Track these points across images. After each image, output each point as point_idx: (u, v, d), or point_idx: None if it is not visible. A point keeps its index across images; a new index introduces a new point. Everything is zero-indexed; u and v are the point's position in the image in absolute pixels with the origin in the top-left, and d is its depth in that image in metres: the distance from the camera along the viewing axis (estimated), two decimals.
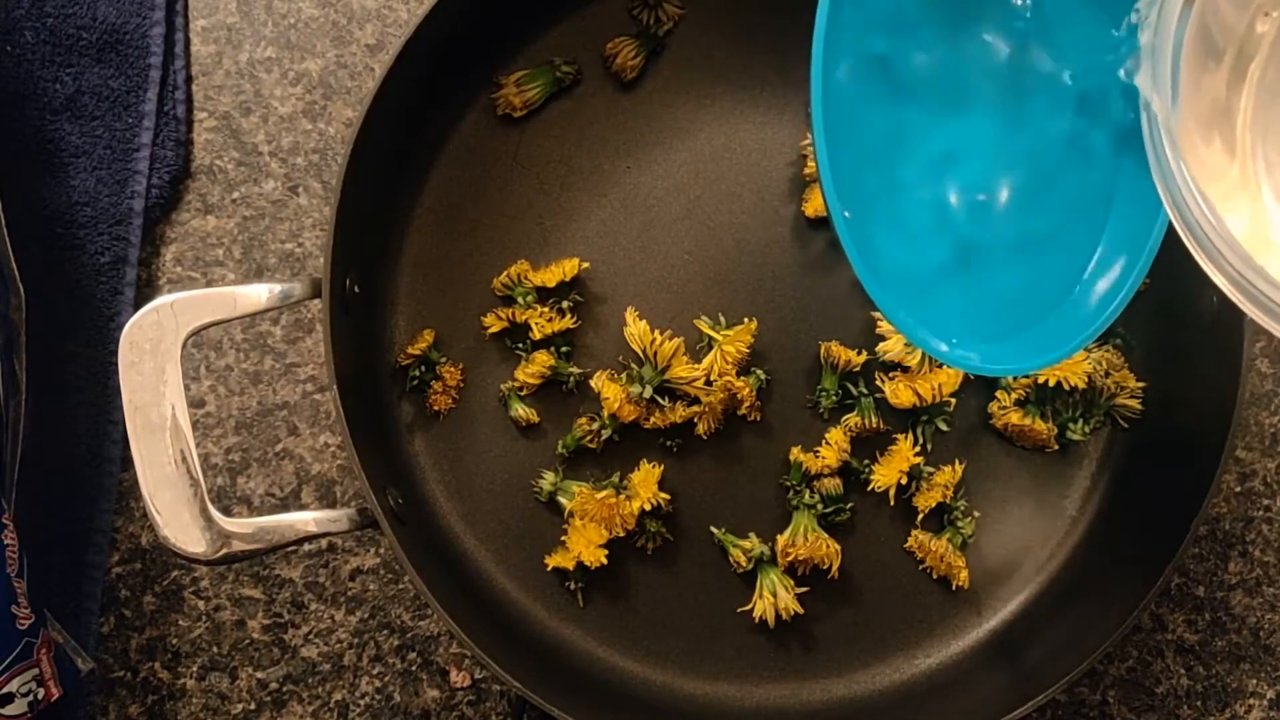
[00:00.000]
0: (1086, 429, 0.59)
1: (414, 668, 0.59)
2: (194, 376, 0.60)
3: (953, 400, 0.58)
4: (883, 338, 0.58)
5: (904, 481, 0.58)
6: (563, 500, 0.58)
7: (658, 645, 0.58)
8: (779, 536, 0.57)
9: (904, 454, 0.57)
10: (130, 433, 0.49)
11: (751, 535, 0.58)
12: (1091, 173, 0.47)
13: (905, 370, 0.58)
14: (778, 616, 0.57)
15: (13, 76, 0.59)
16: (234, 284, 0.59)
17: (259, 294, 0.51)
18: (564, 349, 0.59)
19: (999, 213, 0.48)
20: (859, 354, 0.58)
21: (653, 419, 0.58)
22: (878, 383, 0.58)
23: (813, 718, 0.57)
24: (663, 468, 0.58)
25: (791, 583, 0.57)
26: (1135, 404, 0.59)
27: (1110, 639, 0.51)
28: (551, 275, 0.58)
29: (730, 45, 0.61)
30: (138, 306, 0.52)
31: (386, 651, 0.59)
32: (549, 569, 0.57)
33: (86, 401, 0.59)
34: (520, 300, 0.59)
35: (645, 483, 0.57)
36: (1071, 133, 0.47)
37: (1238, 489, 0.62)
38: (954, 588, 0.58)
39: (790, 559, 0.57)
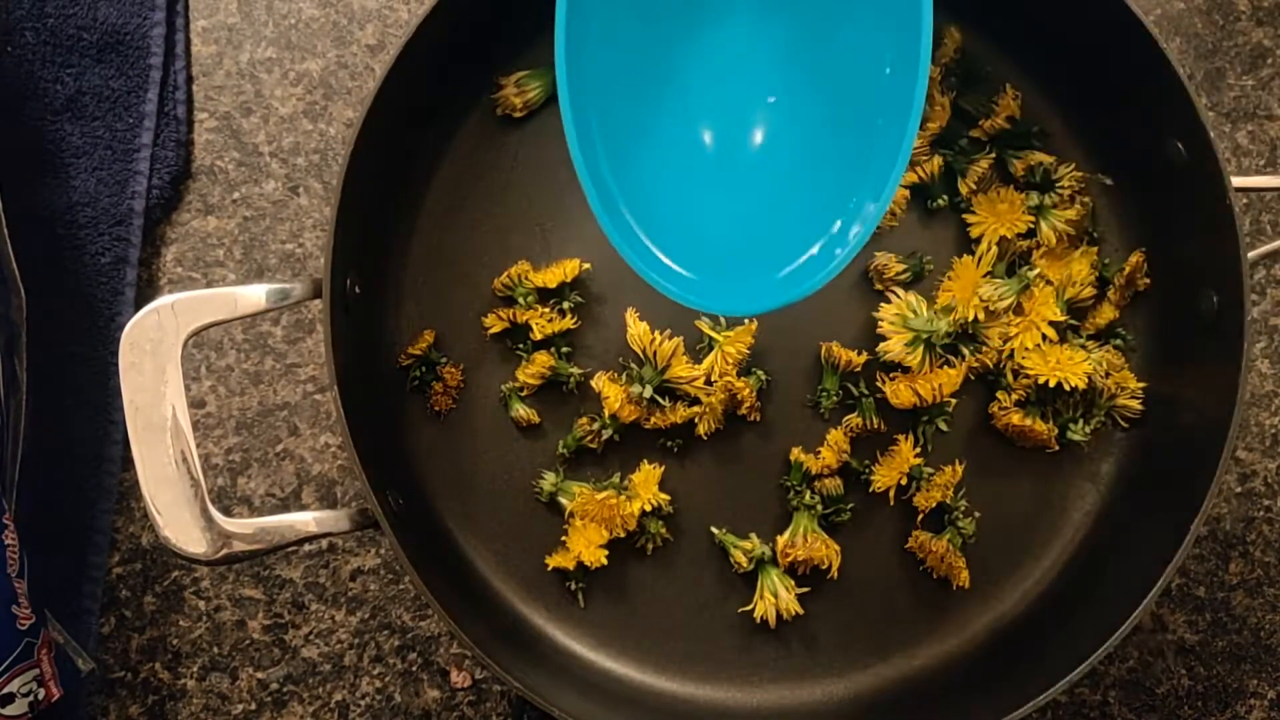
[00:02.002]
0: (1087, 429, 0.59)
1: (414, 668, 0.59)
2: (194, 377, 0.60)
3: (953, 400, 0.58)
4: (883, 338, 0.58)
5: (904, 483, 0.58)
6: (563, 500, 0.58)
7: (658, 645, 0.58)
8: (779, 537, 0.57)
9: (904, 455, 0.57)
10: (131, 433, 0.49)
11: (752, 536, 0.58)
12: (843, 109, 0.46)
13: (906, 370, 0.58)
14: (778, 616, 0.57)
15: (13, 77, 0.60)
16: (234, 284, 0.59)
17: (259, 294, 0.50)
18: (564, 349, 0.59)
19: (755, 148, 0.47)
20: (859, 354, 0.58)
21: (653, 419, 0.58)
22: (878, 383, 0.58)
23: (813, 718, 0.57)
24: (663, 468, 0.58)
25: (792, 583, 0.57)
26: (1135, 404, 0.58)
27: (1111, 639, 0.51)
28: (552, 276, 0.58)
29: None
30: (138, 307, 0.52)
31: (387, 652, 0.59)
32: (549, 569, 0.57)
33: (87, 401, 0.59)
34: (521, 301, 0.59)
35: (646, 483, 0.57)
36: (828, 67, 0.46)
37: (1238, 489, 0.62)
38: (954, 587, 0.58)
39: (790, 559, 0.57)
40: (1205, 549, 0.61)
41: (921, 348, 0.57)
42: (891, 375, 0.58)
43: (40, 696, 0.53)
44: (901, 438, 0.58)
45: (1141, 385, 0.59)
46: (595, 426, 0.58)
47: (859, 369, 0.58)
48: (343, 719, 0.59)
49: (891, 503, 0.58)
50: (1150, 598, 0.51)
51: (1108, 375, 0.58)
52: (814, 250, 0.45)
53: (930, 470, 0.58)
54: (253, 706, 0.59)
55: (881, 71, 0.44)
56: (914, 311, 0.57)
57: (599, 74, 0.43)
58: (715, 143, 0.48)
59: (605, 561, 0.56)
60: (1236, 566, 0.61)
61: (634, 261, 0.45)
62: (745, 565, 0.57)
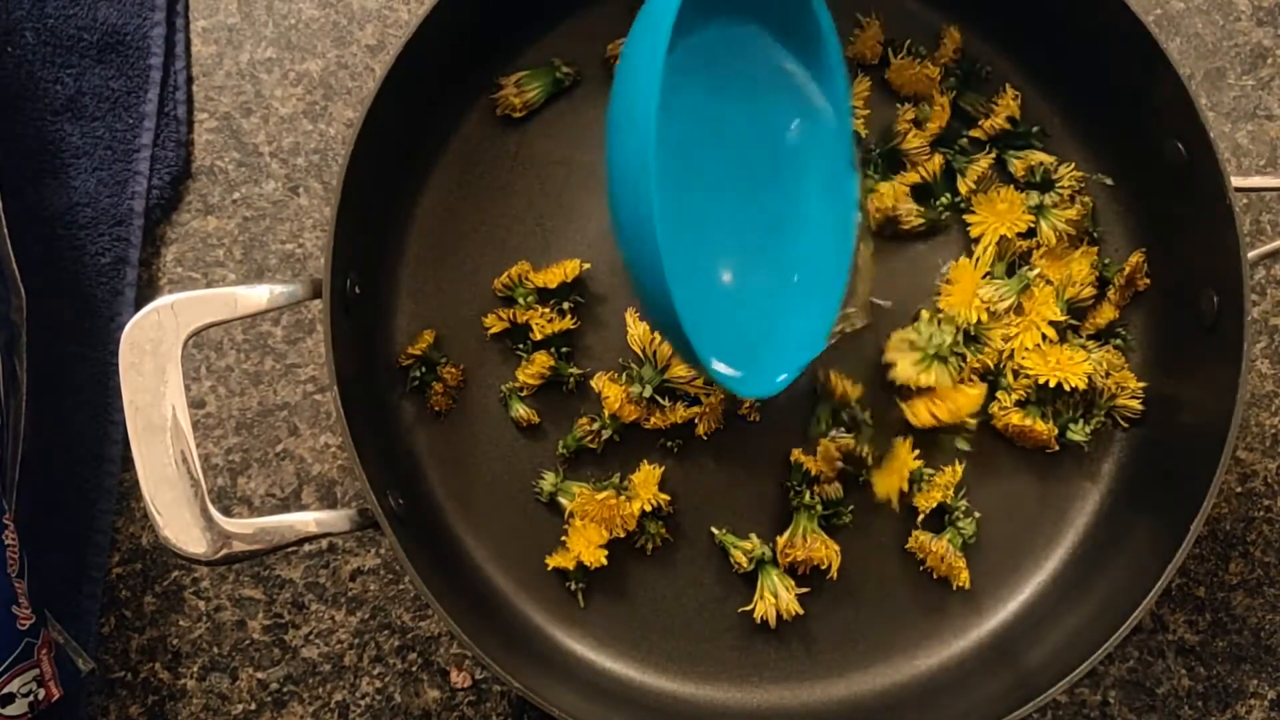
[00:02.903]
0: (1087, 430, 0.59)
1: (414, 668, 0.59)
2: (194, 377, 0.60)
3: (972, 420, 0.58)
4: (889, 364, 0.58)
5: (904, 488, 0.57)
6: (563, 501, 0.58)
7: (658, 645, 0.58)
8: (779, 537, 0.57)
9: (903, 460, 0.57)
10: (131, 433, 0.49)
11: (752, 536, 0.58)
12: (813, 229, 0.55)
13: (922, 392, 0.57)
14: (778, 617, 0.57)
15: (13, 77, 0.60)
16: (234, 284, 0.59)
17: (259, 294, 0.50)
18: (564, 350, 0.59)
19: (760, 266, 0.54)
20: (855, 385, 0.57)
21: (653, 419, 0.58)
22: (896, 398, 0.57)
23: (813, 718, 0.57)
24: (663, 468, 0.58)
25: (792, 583, 0.57)
26: (1135, 404, 0.58)
27: (1111, 639, 0.51)
28: (553, 276, 0.58)
29: None
30: (138, 307, 0.52)
31: (387, 652, 0.59)
32: (549, 569, 0.57)
33: (87, 402, 0.59)
34: (521, 301, 0.59)
35: (646, 483, 0.57)
36: (795, 191, 0.55)
37: (1238, 490, 0.62)
38: (954, 588, 0.58)
39: (790, 559, 0.57)
40: (1205, 549, 0.61)
41: (933, 364, 0.57)
42: (907, 397, 0.57)
43: (40, 696, 0.53)
44: (899, 440, 0.57)
45: (1142, 385, 0.59)
46: (595, 426, 0.58)
47: (853, 402, 0.58)
48: (343, 719, 0.59)
49: (894, 507, 0.58)
50: (1150, 598, 0.51)
51: (1107, 375, 0.58)
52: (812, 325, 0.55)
53: (930, 471, 0.58)
54: (253, 706, 0.59)
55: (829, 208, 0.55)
56: (917, 332, 0.57)
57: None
58: (734, 268, 0.54)
59: (605, 562, 0.56)
60: (1236, 566, 0.61)
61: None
62: (745, 565, 0.57)
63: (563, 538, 0.57)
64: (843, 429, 0.58)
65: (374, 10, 0.63)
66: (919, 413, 0.57)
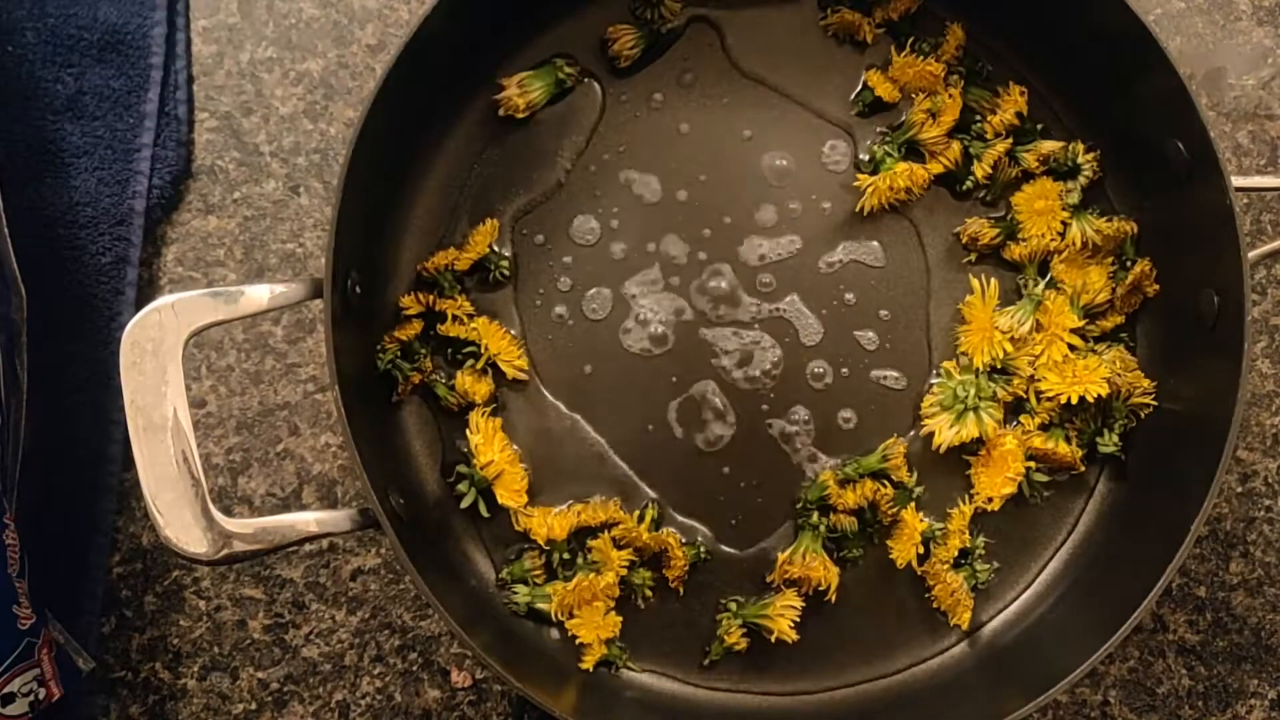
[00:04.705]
0: (1115, 438, 0.58)
1: (415, 668, 0.59)
2: (195, 376, 0.60)
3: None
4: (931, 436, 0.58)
5: (920, 551, 0.57)
6: (543, 606, 0.57)
7: (658, 645, 0.58)
8: (780, 554, 0.57)
9: (912, 526, 0.57)
10: (132, 433, 0.48)
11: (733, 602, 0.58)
12: None
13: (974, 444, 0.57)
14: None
15: (14, 77, 0.60)
16: (235, 284, 0.59)
17: (260, 294, 0.50)
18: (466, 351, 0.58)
19: None
20: (848, 496, 0.57)
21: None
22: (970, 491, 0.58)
23: (813, 718, 0.57)
24: (608, 534, 0.57)
25: (796, 608, 0.57)
26: (1149, 399, 0.58)
27: (1111, 639, 0.51)
28: (472, 248, 0.58)
29: (734, 49, 0.61)
30: (139, 307, 0.52)
31: (387, 652, 0.59)
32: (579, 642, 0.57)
33: (88, 401, 0.59)
34: (447, 285, 0.58)
35: (605, 549, 0.56)
36: None
37: (1239, 489, 0.62)
38: (951, 624, 0.58)
39: (788, 576, 0.57)
40: (1205, 549, 0.61)
41: (970, 416, 0.57)
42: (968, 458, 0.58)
43: (41, 696, 0.53)
44: (906, 513, 0.57)
45: (1154, 383, 0.58)
46: (540, 561, 0.57)
47: (845, 519, 0.58)
48: (343, 718, 0.59)
49: (916, 568, 0.58)
50: (1150, 598, 0.51)
51: (1120, 376, 0.58)
52: None
53: (940, 526, 0.58)
54: (253, 706, 0.59)
55: None
56: (944, 390, 0.58)
57: None
58: None
59: (620, 624, 0.56)
60: (1237, 566, 0.61)
61: None
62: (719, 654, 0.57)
63: (574, 639, 0.56)
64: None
65: (374, 10, 0.63)
66: (990, 485, 0.57)
